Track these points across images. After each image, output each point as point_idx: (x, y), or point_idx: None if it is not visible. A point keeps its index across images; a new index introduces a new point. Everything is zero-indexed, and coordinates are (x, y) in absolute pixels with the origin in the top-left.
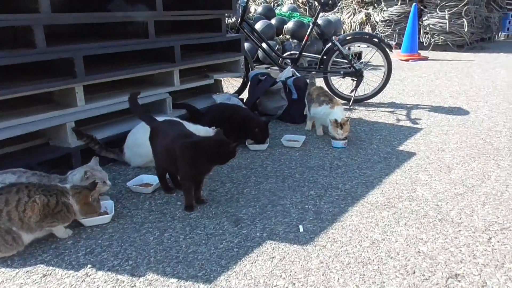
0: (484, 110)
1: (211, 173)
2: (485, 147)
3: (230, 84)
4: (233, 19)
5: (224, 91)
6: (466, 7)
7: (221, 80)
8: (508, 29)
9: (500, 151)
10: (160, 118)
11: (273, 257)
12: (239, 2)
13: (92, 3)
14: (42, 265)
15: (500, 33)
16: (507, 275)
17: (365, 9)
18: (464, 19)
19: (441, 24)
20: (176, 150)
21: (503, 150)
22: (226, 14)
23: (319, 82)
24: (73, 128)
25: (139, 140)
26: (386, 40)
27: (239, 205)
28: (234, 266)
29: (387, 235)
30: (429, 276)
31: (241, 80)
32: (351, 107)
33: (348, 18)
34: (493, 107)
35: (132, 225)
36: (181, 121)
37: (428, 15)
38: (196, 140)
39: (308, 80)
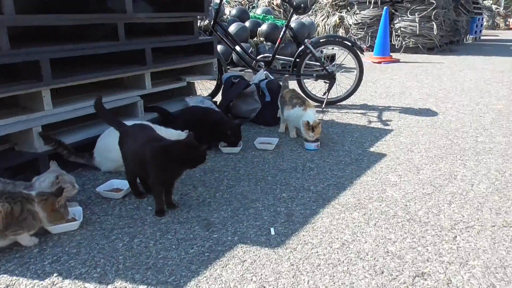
0: (452, 111)
1: (183, 177)
2: (452, 148)
3: (204, 86)
4: (206, 22)
5: (198, 94)
6: (435, 11)
7: (194, 83)
8: (475, 32)
9: (466, 151)
10: (129, 122)
11: (244, 261)
12: (212, 4)
13: (67, 4)
14: (5, 275)
15: (468, 36)
16: (470, 272)
17: (338, 12)
18: (433, 23)
19: (411, 27)
20: (146, 155)
21: (469, 150)
22: (198, 17)
23: (293, 84)
24: (40, 133)
25: (109, 144)
26: (358, 43)
27: (210, 209)
28: (205, 271)
29: (357, 236)
30: (397, 276)
31: (215, 82)
32: (324, 109)
33: (322, 21)
34: (461, 108)
35: (101, 232)
36: (152, 125)
37: (399, 18)
38: (166, 144)
39: (281, 83)
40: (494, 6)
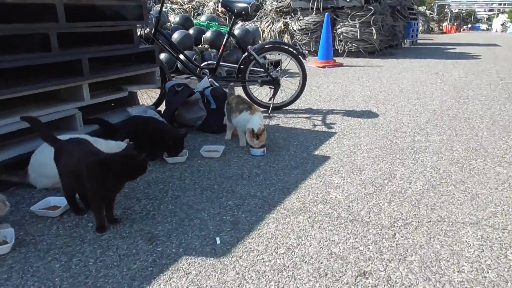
0: (392, 113)
1: (125, 190)
2: (392, 148)
3: (149, 96)
4: (147, 30)
5: (142, 104)
6: (374, 16)
7: (137, 92)
8: (412, 36)
9: (405, 151)
10: (67, 136)
11: (188, 273)
12: (152, 13)
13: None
14: None
15: (405, 40)
16: (408, 268)
17: (283, 18)
18: (372, 28)
19: (353, 32)
20: (83, 170)
21: (407, 150)
22: (138, 25)
23: (239, 91)
24: None
25: (44, 160)
26: (300, 49)
27: (155, 222)
28: (148, 287)
29: (302, 240)
30: (340, 277)
31: (159, 91)
32: (270, 114)
33: (268, 27)
34: (399, 109)
35: (35, 253)
36: (91, 137)
37: (341, 24)
38: (103, 157)
39: (227, 91)
40: (428, 12)
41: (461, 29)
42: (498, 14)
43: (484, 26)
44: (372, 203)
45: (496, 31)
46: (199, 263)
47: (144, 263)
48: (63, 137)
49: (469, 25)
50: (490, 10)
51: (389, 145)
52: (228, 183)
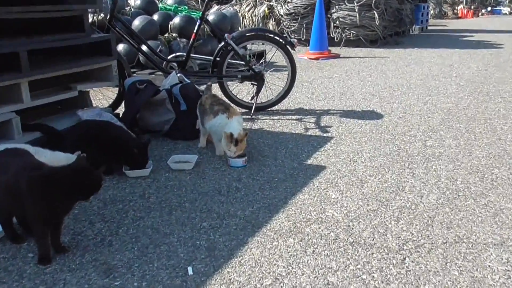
0: (398, 113)
1: (75, 211)
2: (399, 155)
3: (104, 96)
4: (102, 16)
5: (95, 106)
6: None
7: (88, 92)
8: (421, 21)
9: (414, 158)
10: (1, 147)
11: None
12: None
13: None
14: None
15: (414, 27)
16: None
17: (267, 1)
18: (374, 11)
19: (351, 17)
20: (21, 188)
21: (417, 157)
22: (90, 10)
23: (214, 89)
24: None
25: None
26: (288, 37)
27: (112, 250)
28: None
29: (293, 268)
30: None
31: (117, 90)
32: (253, 116)
33: (249, 11)
34: (407, 109)
35: None
36: (33, 147)
37: (337, 7)
38: (47, 172)
39: (204, 90)
40: None
41: (480, 13)
42: None
43: (506, 10)
44: (376, 221)
45: None
46: None
47: None
48: None
49: (489, 9)
50: None
51: (396, 152)
52: (202, 200)
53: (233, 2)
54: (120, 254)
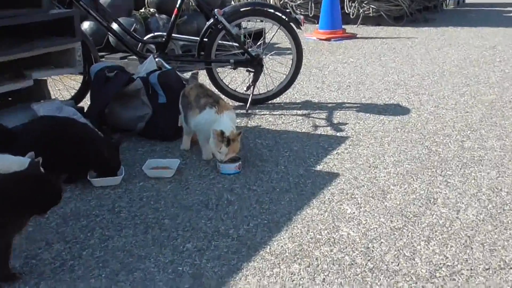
0: (429, 107)
1: (29, 228)
2: (430, 159)
3: (65, 86)
4: None
5: (53, 98)
6: None
7: (46, 81)
8: None
9: (449, 163)
10: None
11: None
12: None
13: None
14: None
15: (448, 0)
16: None
17: None
18: None
19: None
20: None
21: (452, 161)
22: None
23: (202, 78)
24: None
25: None
26: (293, 13)
27: (74, 277)
28: None
29: None
30: None
31: (81, 78)
32: (250, 111)
33: None
34: (440, 102)
35: None
36: None
37: None
38: None
39: (188, 78)
40: None
41: None
42: None
43: None
44: (402, 242)
45: None
46: None
47: None
48: None
49: None
50: None
51: (426, 155)
52: (186, 215)
53: None
54: (84, 282)
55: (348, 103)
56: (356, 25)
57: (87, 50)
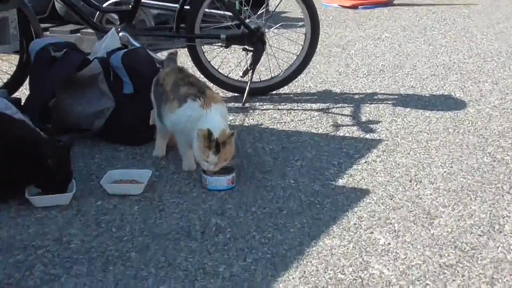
0: (492, 99)
1: None
2: (494, 170)
3: None
4: None
5: None
6: None
7: None
8: None
9: None
10: None
11: None
12: None
13: None
14: None
15: None
16: None
17: None
18: None
19: None
20: None
21: None
22: None
23: (182, 60)
24: None
25: None
26: None
27: None
28: None
29: None
30: None
31: (16, 59)
32: (247, 105)
33: None
34: (509, 92)
35: None
36: None
37: None
38: None
39: (164, 60)
40: None
41: None
42: None
43: None
44: (455, 285)
45: None
46: None
47: None
48: None
49: None
50: None
51: (489, 165)
52: (159, 247)
53: None
54: None
55: (382, 93)
56: None
57: (27, 22)
